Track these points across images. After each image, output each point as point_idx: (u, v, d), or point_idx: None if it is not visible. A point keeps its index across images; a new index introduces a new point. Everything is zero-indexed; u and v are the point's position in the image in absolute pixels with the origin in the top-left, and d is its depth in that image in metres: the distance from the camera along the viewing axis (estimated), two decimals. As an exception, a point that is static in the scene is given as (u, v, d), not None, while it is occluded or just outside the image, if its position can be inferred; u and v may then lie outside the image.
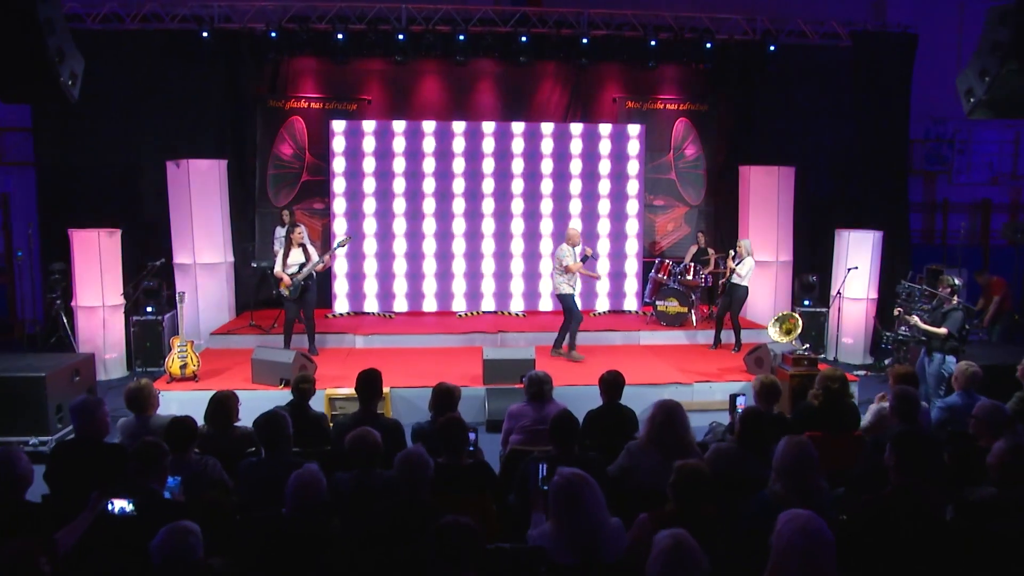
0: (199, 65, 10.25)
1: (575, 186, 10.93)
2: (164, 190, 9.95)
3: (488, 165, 10.81)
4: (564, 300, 8.57)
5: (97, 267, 9.08)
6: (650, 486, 3.73)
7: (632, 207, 11.03)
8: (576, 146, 10.87)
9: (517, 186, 10.87)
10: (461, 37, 10.33)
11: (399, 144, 10.65)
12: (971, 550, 3.01)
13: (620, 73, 11.49)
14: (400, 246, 10.82)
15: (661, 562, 2.45)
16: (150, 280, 9.39)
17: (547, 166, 10.87)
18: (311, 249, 8.59)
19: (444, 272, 10.87)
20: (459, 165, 10.74)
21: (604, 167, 10.92)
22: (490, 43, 10.55)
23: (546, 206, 10.94)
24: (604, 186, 10.96)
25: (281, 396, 6.75)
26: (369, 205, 10.71)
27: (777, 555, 2.49)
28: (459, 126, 10.77)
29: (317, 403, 5.92)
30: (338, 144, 10.58)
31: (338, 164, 10.61)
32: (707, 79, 11.51)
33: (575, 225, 10.20)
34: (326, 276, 10.28)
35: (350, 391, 6.38)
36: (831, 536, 2.47)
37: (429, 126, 10.73)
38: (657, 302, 10.10)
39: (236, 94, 10.83)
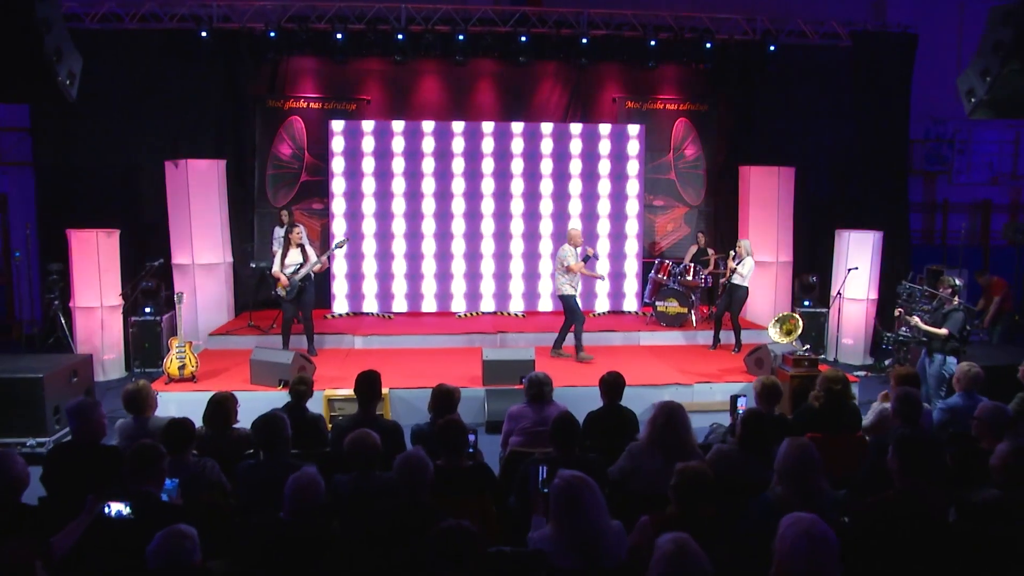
0: (198, 65, 10.23)
1: (575, 186, 10.91)
2: (163, 190, 9.93)
3: (488, 165, 10.79)
4: (566, 301, 8.55)
5: (95, 267, 9.06)
6: (651, 488, 3.71)
7: (632, 207, 11.01)
8: (576, 146, 10.85)
9: (517, 186, 10.85)
10: (460, 37, 10.30)
11: (398, 144, 10.63)
12: (974, 552, 3.00)
13: (620, 73, 11.47)
14: (399, 246, 10.80)
15: (663, 566, 2.42)
16: (148, 280, 9.35)
17: (547, 166, 10.85)
18: (309, 249, 8.57)
19: (443, 272, 10.84)
20: (459, 165, 10.72)
21: (604, 167, 10.90)
22: (489, 43, 10.53)
23: (546, 206, 10.91)
24: (604, 186, 10.94)
25: (280, 397, 6.75)
26: (368, 205, 10.68)
27: (780, 559, 2.47)
28: (458, 126, 10.75)
29: (316, 404, 5.90)
30: (337, 144, 10.56)
31: (337, 164, 10.59)
32: (707, 79, 11.49)
33: (576, 225, 10.17)
34: (325, 276, 10.27)
35: (349, 392, 6.34)
36: (835, 540, 2.45)
37: (428, 126, 10.71)
38: (657, 303, 10.08)
39: (235, 94, 10.80)
